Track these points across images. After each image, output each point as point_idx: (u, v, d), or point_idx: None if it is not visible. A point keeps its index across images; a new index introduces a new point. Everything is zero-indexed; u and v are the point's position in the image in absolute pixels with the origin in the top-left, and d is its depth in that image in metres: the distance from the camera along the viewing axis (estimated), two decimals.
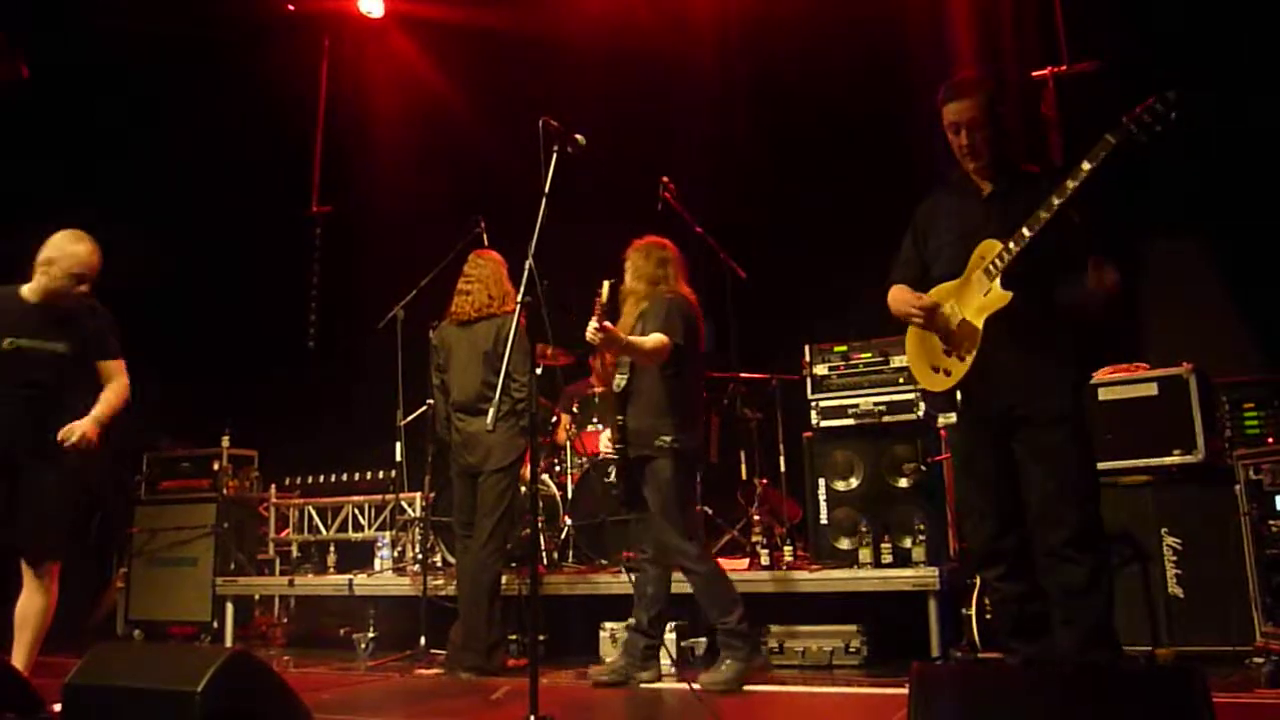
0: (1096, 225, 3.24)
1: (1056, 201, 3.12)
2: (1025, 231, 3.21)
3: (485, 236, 5.96)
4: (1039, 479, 3.35)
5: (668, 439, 4.43)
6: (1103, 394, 4.70)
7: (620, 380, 4.56)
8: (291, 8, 8.32)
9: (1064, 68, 6.13)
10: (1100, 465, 4.51)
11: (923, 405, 5.27)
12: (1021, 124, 3.48)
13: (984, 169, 3.50)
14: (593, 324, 4.06)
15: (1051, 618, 3.36)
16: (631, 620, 4.68)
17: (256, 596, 6.91)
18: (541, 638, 3.35)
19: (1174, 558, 4.47)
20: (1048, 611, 3.37)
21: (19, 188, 7.61)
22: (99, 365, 4.37)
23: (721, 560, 5.69)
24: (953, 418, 3.53)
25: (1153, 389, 4.63)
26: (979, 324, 3.35)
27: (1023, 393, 3.35)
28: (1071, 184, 3.09)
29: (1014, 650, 3.47)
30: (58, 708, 3.43)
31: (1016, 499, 3.42)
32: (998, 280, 3.29)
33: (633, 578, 4.62)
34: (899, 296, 3.62)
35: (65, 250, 4.23)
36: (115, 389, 4.34)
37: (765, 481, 6.06)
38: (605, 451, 5.40)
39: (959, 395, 3.46)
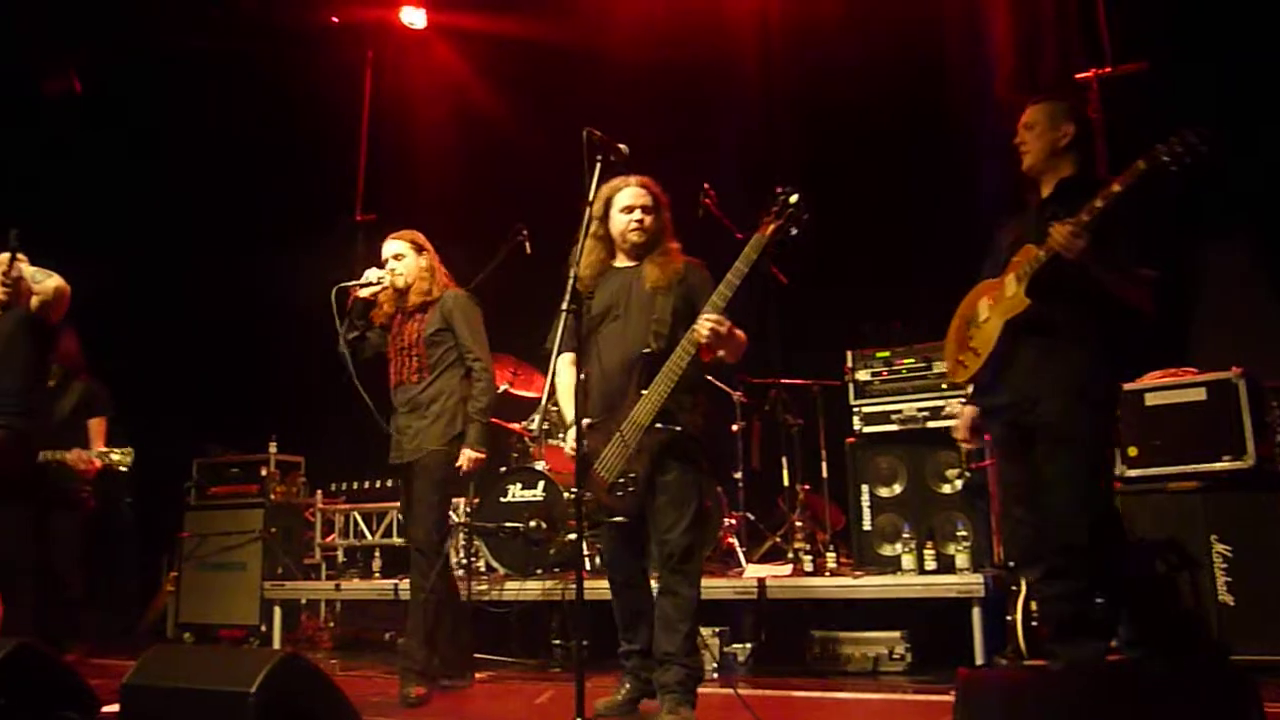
0: (1128, 240, 3.28)
1: (1085, 219, 3.19)
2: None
3: (528, 245, 6.01)
4: (1041, 490, 3.39)
5: (699, 419, 3.81)
6: (1150, 399, 4.65)
7: (659, 344, 3.68)
8: (335, 20, 8.42)
9: (1108, 69, 6.06)
10: (1148, 471, 4.55)
11: None
12: (1089, 135, 3.54)
13: (1035, 172, 3.59)
14: (714, 316, 3.51)
15: (1100, 621, 3.36)
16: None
17: (303, 601, 6.99)
18: (584, 642, 3.37)
19: (1224, 565, 4.41)
20: (1093, 615, 3.36)
21: (64, 200, 7.81)
22: None
23: (764, 566, 5.71)
24: (958, 409, 3.66)
25: (1201, 394, 4.57)
26: (999, 325, 3.43)
27: (1029, 400, 3.39)
28: (1099, 204, 3.17)
29: (1056, 654, 3.46)
30: (113, 708, 3.51)
31: None
32: (1023, 285, 3.37)
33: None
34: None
35: None
36: None
37: (807, 487, 6.06)
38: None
39: (971, 389, 3.57)
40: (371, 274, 4.63)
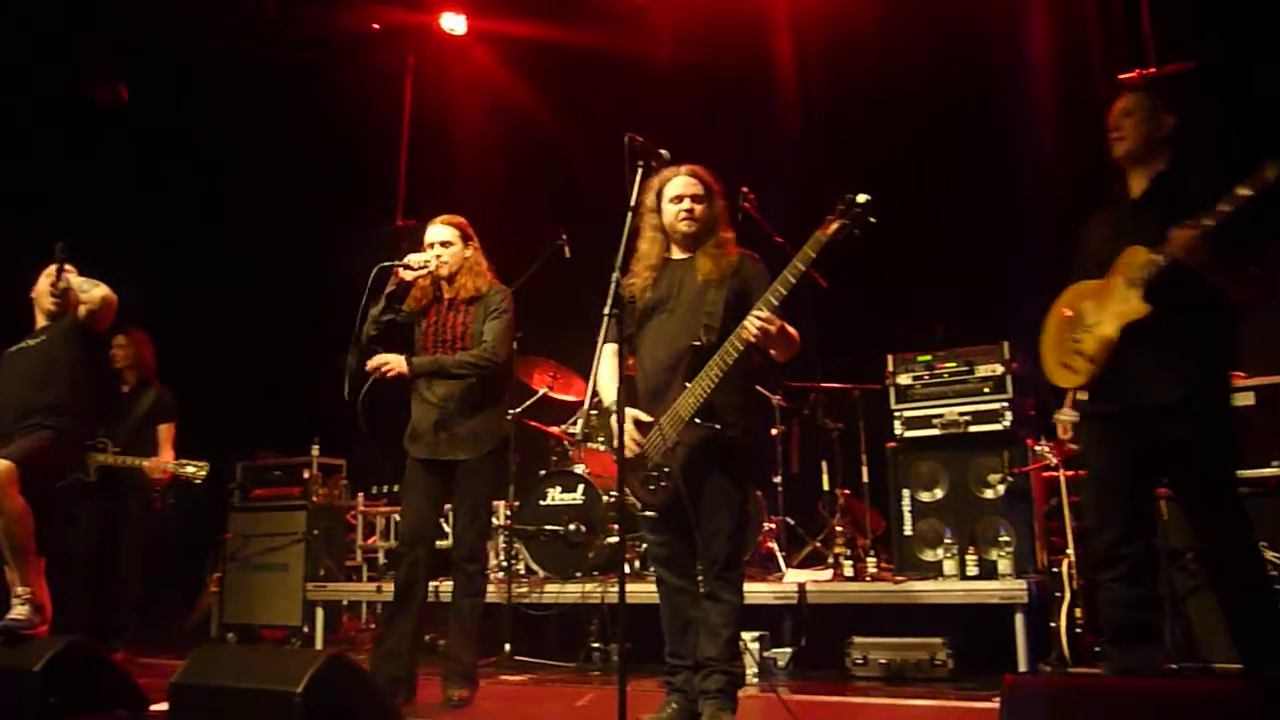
0: (1248, 237, 3.21)
1: (1210, 224, 3.10)
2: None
3: (567, 249, 6.04)
4: (1180, 483, 3.38)
5: (748, 423, 3.76)
6: None
7: (709, 337, 3.58)
8: (376, 27, 8.51)
9: (1153, 70, 5.99)
10: None
11: (1009, 415, 5.23)
12: (1185, 130, 3.50)
13: (1129, 160, 3.52)
14: (765, 314, 3.43)
15: (1159, 629, 3.33)
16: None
17: (345, 602, 7.05)
18: (627, 646, 3.37)
19: (1274, 573, 4.33)
20: (1155, 623, 3.33)
21: (106, 209, 7.95)
22: None
23: (804, 571, 5.69)
24: (1073, 415, 3.54)
25: (1250, 398, 4.50)
26: (1114, 331, 3.34)
27: (1154, 407, 3.31)
28: (1226, 208, 3.08)
29: (1112, 657, 3.42)
30: (161, 707, 3.57)
31: (1143, 504, 3.43)
32: (1139, 291, 3.28)
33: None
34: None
35: None
36: None
37: (847, 492, 6.03)
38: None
39: (1085, 396, 3.47)
40: (417, 258, 4.42)
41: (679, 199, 3.74)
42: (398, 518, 7.05)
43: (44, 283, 4.77)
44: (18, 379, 4.65)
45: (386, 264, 4.38)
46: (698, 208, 3.74)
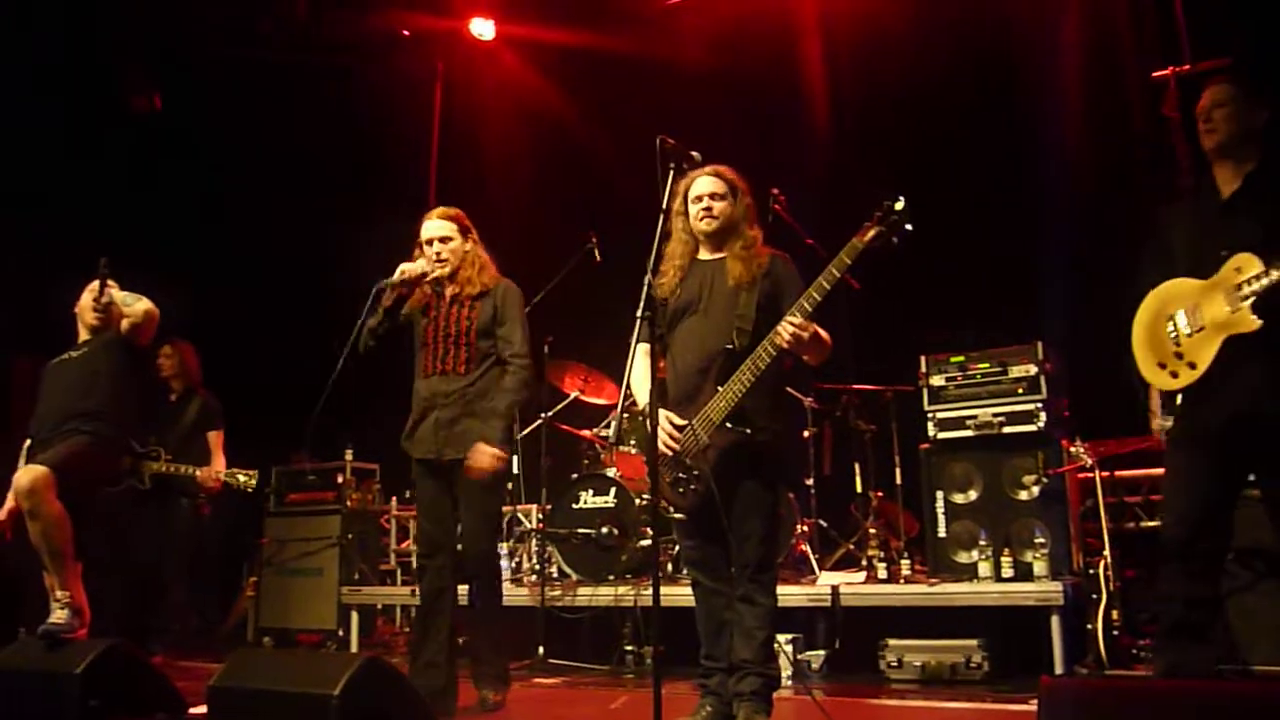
0: None
1: None
2: None
3: (597, 253, 6.06)
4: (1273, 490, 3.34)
5: (778, 427, 3.72)
6: None
7: (741, 340, 3.58)
8: (406, 33, 8.57)
9: (1187, 67, 5.92)
10: None
11: (1043, 416, 5.19)
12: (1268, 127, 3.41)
13: (1219, 153, 3.43)
14: (798, 320, 3.40)
15: (1214, 631, 3.30)
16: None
17: (379, 606, 7.10)
18: (661, 649, 3.37)
19: None
20: (1210, 624, 3.29)
21: (146, 219, 8.05)
22: None
23: (837, 573, 5.67)
24: (1168, 423, 3.48)
25: None
26: (1217, 340, 3.26)
27: (1263, 408, 3.25)
28: None
29: (1164, 653, 3.40)
30: (200, 710, 3.61)
31: (1226, 506, 3.38)
32: (1248, 304, 3.18)
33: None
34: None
35: None
36: None
37: (881, 494, 6.01)
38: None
39: (1179, 399, 3.42)
40: (413, 267, 4.30)
41: (699, 199, 3.74)
42: None
43: (87, 297, 4.85)
44: (60, 390, 4.73)
45: (384, 282, 4.27)
46: (717, 205, 3.73)
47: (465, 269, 4.40)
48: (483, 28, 8.38)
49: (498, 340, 4.38)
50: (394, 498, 7.52)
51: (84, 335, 4.90)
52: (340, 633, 6.83)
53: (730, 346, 3.56)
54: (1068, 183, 6.43)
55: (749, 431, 3.51)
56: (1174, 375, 3.39)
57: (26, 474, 4.31)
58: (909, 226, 3.36)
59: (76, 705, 3.63)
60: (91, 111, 8.00)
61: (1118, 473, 5.38)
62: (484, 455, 4.16)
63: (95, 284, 4.75)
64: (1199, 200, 3.52)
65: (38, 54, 7.60)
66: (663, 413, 3.56)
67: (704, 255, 3.81)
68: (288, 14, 8.06)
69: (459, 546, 4.43)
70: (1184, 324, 3.37)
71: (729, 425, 3.50)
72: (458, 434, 4.27)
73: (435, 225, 4.41)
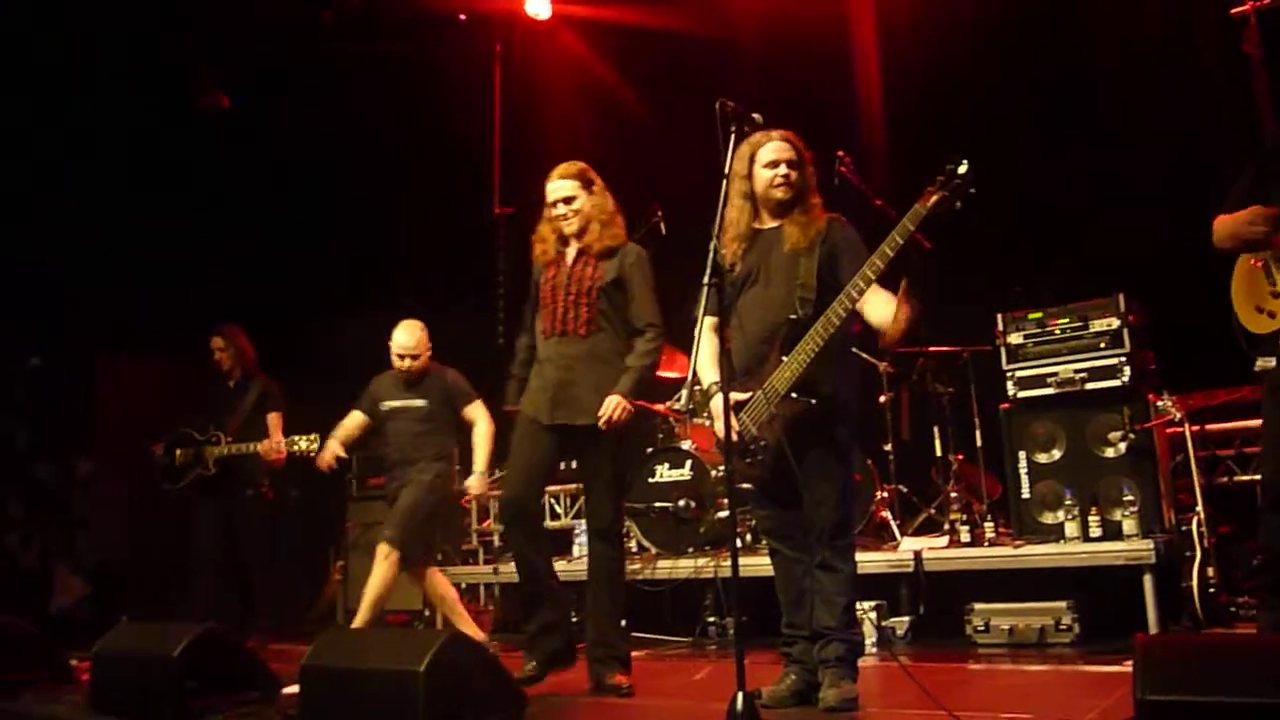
0: None
1: None
2: None
3: (663, 226, 6.03)
4: None
5: (845, 394, 3.67)
6: None
7: (805, 310, 3.54)
8: (463, 17, 8.58)
9: (1267, 1, 5.68)
10: None
11: (1128, 370, 5.05)
12: None
13: None
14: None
15: None
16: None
17: (463, 585, 7.17)
18: (743, 618, 3.36)
19: None
20: None
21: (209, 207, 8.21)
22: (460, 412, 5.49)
23: (919, 538, 5.60)
24: (1271, 362, 3.36)
25: None
26: None
27: None
28: None
29: (1271, 607, 3.31)
30: (292, 689, 3.69)
31: None
32: None
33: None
34: (1240, 217, 3.42)
35: (393, 338, 5.48)
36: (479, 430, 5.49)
37: (961, 457, 5.90)
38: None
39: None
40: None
41: (774, 164, 3.66)
42: None
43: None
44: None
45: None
46: (794, 173, 3.67)
47: (592, 225, 4.22)
48: (538, 7, 8.35)
49: (630, 314, 4.19)
50: None
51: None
52: (426, 612, 6.93)
53: (794, 316, 3.52)
54: (1142, 126, 6.23)
55: (814, 401, 3.48)
56: (1271, 316, 3.31)
57: None
58: (973, 190, 3.27)
59: (175, 686, 3.74)
60: (157, 111, 8.14)
61: (1208, 426, 5.22)
62: (614, 405, 4.01)
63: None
64: None
65: (116, 57, 7.77)
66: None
67: (764, 224, 3.75)
68: (344, 5, 8.13)
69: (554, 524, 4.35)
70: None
71: (794, 395, 3.47)
72: (571, 397, 4.12)
73: (557, 186, 4.24)
